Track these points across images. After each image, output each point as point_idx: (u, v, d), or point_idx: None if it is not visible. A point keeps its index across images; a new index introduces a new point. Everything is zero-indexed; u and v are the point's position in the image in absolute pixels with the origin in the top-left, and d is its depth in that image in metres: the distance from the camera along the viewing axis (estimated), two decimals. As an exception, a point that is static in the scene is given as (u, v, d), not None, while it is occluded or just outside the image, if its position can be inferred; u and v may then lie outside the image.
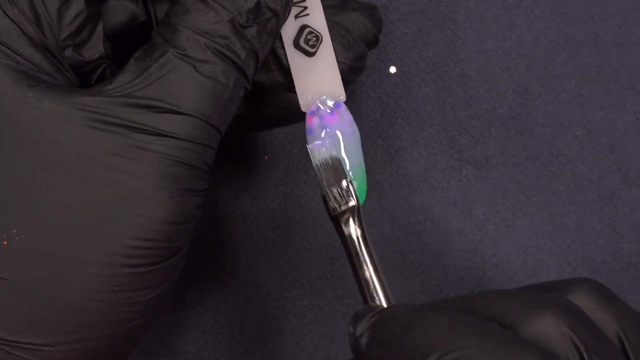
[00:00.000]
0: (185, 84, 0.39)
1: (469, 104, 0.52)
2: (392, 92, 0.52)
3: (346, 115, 0.43)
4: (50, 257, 0.38)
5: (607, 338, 0.36)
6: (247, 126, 0.47)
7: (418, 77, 0.52)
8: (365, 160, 0.52)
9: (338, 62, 0.44)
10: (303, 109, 0.44)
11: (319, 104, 0.43)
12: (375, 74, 0.52)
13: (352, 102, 0.52)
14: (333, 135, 0.43)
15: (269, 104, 0.46)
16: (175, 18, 0.39)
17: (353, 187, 0.42)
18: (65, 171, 0.38)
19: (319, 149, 0.43)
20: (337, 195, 0.42)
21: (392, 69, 0.52)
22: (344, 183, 0.42)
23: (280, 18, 0.41)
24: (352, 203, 0.42)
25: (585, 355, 0.35)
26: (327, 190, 0.42)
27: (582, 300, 0.38)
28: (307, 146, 0.43)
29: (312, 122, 0.43)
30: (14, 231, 0.38)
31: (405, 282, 0.52)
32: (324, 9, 0.44)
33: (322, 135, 0.43)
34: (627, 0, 0.52)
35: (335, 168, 0.42)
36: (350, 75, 0.44)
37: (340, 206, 0.41)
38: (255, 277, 0.53)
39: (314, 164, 0.42)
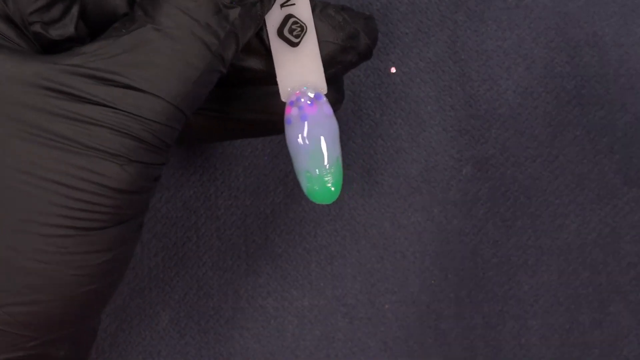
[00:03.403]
0: (153, 60, 0.38)
1: (469, 104, 0.52)
2: (392, 92, 0.52)
3: (326, 108, 0.43)
4: None
5: None
6: (223, 129, 0.46)
7: (418, 77, 0.52)
8: (365, 160, 0.52)
9: (329, 43, 0.43)
10: (283, 99, 0.43)
11: (299, 95, 0.43)
12: (375, 74, 0.52)
13: (352, 102, 0.52)
14: (312, 126, 0.42)
15: (249, 107, 0.45)
16: None
17: None
18: (23, 132, 0.38)
19: None
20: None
21: (392, 69, 0.52)
22: None
23: (265, 4, 0.41)
24: None
25: None
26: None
27: None
28: None
29: (290, 112, 0.42)
30: None
31: (406, 282, 0.52)
32: None
33: (304, 126, 0.42)
34: (627, 0, 0.52)
35: None
36: (342, 55, 0.43)
37: None
38: (255, 277, 0.53)
39: None
